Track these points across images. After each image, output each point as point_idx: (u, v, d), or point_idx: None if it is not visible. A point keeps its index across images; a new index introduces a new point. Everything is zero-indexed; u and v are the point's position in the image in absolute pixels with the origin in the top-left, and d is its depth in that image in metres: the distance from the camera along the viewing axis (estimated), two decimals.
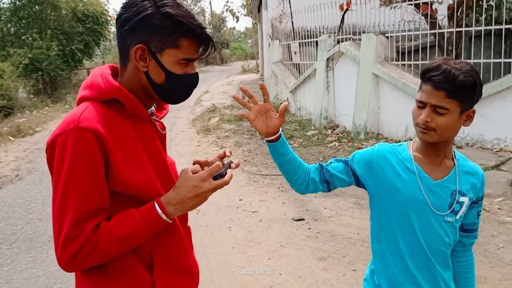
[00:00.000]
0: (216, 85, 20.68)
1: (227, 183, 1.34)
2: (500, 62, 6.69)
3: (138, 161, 1.30)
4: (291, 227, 4.68)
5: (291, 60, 12.27)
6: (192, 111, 13.35)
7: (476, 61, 6.97)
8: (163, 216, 1.27)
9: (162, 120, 1.48)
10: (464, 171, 1.59)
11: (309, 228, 4.62)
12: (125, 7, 1.31)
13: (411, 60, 7.92)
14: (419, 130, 1.51)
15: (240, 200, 5.59)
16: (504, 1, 8.02)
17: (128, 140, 1.30)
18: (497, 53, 6.96)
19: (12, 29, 19.24)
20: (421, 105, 1.49)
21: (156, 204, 1.28)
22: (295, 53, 11.73)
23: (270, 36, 13.69)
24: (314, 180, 1.66)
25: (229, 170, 1.37)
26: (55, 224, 1.22)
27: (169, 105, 1.52)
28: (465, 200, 1.57)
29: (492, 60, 6.74)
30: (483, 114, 6.62)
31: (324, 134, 8.87)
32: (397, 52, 8.43)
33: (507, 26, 6.76)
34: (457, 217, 1.57)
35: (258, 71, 26.78)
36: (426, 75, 1.47)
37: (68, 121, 1.23)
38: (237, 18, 33.14)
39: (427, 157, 1.58)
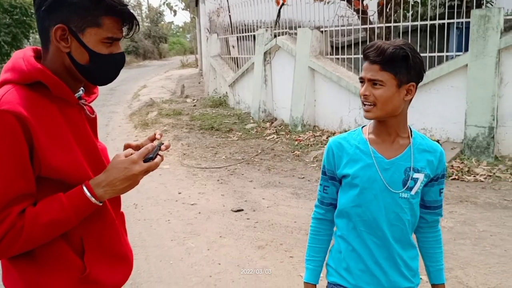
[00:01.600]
0: (154, 79, 20.31)
1: (157, 165, 1.33)
2: (426, 57, 7.08)
3: (65, 145, 1.27)
4: (230, 218, 4.73)
5: (229, 54, 12.30)
6: (129, 105, 13.05)
7: None
8: (92, 199, 1.25)
9: (94, 106, 1.45)
10: (420, 149, 1.64)
11: (248, 219, 4.69)
12: None
13: (344, 55, 8.19)
14: (364, 108, 1.58)
15: (179, 193, 5.56)
16: None
17: (54, 124, 1.26)
18: (424, 48, 7.35)
19: None
20: (362, 81, 1.57)
21: (84, 187, 1.26)
22: (233, 47, 11.77)
23: (208, 30, 13.64)
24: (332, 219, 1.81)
25: (160, 152, 1.36)
26: None
27: (98, 89, 1.50)
28: (420, 176, 1.61)
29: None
30: (411, 105, 6.93)
31: (263, 127, 8.99)
32: (332, 46, 8.68)
33: (431, 22, 7.15)
34: (412, 193, 1.62)
35: (197, 65, 26.57)
36: (364, 54, 1.55)
37: None
38: (175, 12, 32.77)
39: (380, 137, 1.64)
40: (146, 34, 39.40)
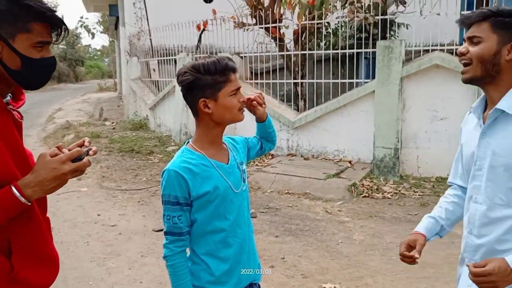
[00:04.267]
0: (70, 102, 19.62)
1: (86, 165, 1.39)
2: (338, 83, 7.63)
3: None
4: (152, 238, 4.73)
5: (150, 77, 12.27)
6: (44, 128, 12.50)
7: (319, 81, 7.83)
8: (22, 199, 1.29)
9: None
10: (232, 146, 1.88)
11: None
12: None
13: (263, 80, 8.54)
14: (241, 113, 1.80)
15: (99, 215, 5.45)
16: (340, 30, 9.14)
17: None
18: (336, 75, 7.90)
19: None
20: (235, 92, 1.76)
21: (13, 187, 1.29)
22: (154, 70, 11.77)
23: (128, 53, 13.52)
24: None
25: (87, 157, 1.41)
26: None
27: (25, 96, 1.55)
28: (245, 166, 1.87)
29: (331, 81, 7.61)
30: (326, 129, 7.44)
31: None
32: (251, 72, 9.02)
33: (342, 51, 7.73)
34: (246, 182, 1.85)
35: (116, 89, 26.04)
36: (229, 67, 1.72)
37: None
38: (93, 34, 31.92)
39: (213, 148, 1.77)
40: (62, 57, 38.05)
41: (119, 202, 5.99)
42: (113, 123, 12.66)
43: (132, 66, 13.06)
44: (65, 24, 1.41)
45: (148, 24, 12.42)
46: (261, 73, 8.72)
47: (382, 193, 6.16)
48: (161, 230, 4.91)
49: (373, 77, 7.06)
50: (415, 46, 7.38)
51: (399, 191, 6.21)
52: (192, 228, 1.73)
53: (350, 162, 7.20)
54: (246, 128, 8.30)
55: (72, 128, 11.63)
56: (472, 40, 1.59)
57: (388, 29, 9.09)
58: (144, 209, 5.66)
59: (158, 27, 11.35)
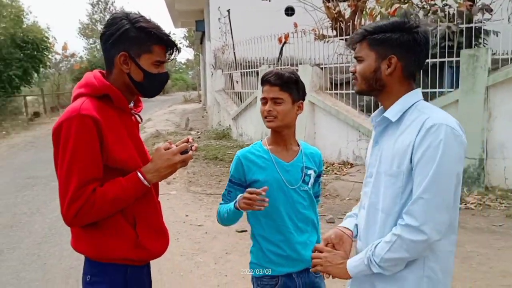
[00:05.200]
0: (158, 113, 20.87)
1: (191, 157, 1.74)
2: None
3: (123, 142, 1.69)
4: (235, 238, 5.06)
5: (233, 89, 12.84)
6: None
7: None
8: (145, 182, 1.66)
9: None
10: (307, 153, 2.13)
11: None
12: (107, 25, 1.71)
13: (343, 90, 8.67)
14: (267, 120, 2.01)
15: (187, 216, 5.90)
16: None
17: (116, 126, 1.67)
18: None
19: None
20: (264, 101, 2.03)
21: (138, 173, 1.66)
22: (237, 82, 12.31)
23: (213, 66, 14.23)
24: None
25: (190, 151, 1.76)
26: (61, 190, 1.57)
27: (143, 104, 1.91)
28: (311, 172, 2.10)
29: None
30: None
31: None
32: (331, 82, 9.18)
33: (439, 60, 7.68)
34: (309, 185, 2.09)
35: (200, 101, 27.23)
36: (263, 79, 2.03)
37: (71, 111, 1.60)
38: (179, 49, 33.60)
39: (279, 146, 2.08)
40: None
41: (205, 205, 6.42)
42: (198, 132, 13.37)
43: (216, 79, 13.73)
44: (176, 46, 1.77)
45: (232, 38, 13.02)
46: (341, 84, 8.85)
47: (465, 204, 6.03)
48: (244, 231, 5.26)
49: (458, 87, 6.95)
50: (503, 54, 7.16)
51: (484, 202, 6.05)
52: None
53: None
54: (325, 136, 8.50)
55: (161, 137, 12.45)
56: (357, 59, 1.66)
57: (474, 37, 8.85)
58: None
59: (241, 41, 11.88)
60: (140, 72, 1.70)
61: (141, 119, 1.88)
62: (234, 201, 1.94)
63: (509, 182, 6.46)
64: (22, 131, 16.09)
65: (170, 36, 1.74)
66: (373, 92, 1.66)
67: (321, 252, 1.68)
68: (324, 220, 5.55)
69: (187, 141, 1.81)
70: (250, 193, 1.84)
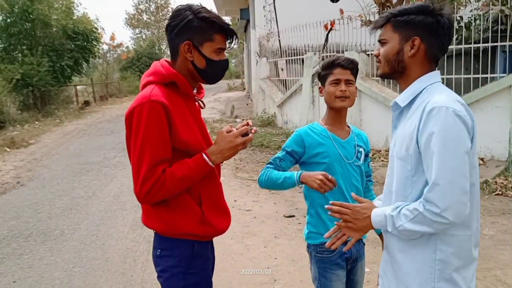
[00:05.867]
0: (203, 99, 21.16)
1: (251, 139, 1.85)
2: (471, 78, 7.39)
3: (189, 126, 1.81)
4: (283, 222, 5.17)
5: (278, 77, 12.89)
6: None
7: (449, 76, 7.65)
8: (209, 163, 1.78)
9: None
10: (356, 133, 2.36)
11: (299, 223, 5.11)
12: (172, 17, 1.83)
13: None
14: (339, 100, 2.21)
15: (235, 201, 6.05)
16: (474, 23, 8.76)
17: (182, 111, 1.80)
18: (469, 71, 7.65)
19: (3, 45, 19.54)
20: (336, 82, 2.22)
21: (203, 154, 1.79)
22: (282, 69, 12.35)
23: (258, 54, 14.31)
24: None
25: (250, 134, 1.86)
26: (134, 170, 1.71)
27: (204, 90, 2.03)
28: (362, 150, 2.33)
29: (462, 76, 7.41)
30: None
31: None
32: (377, 68, 9.07)
33: (475, 46, 7.46)
34: (361, 161, 2.31)
35: (244, 89, 27.41)
36: (334, 63, 2.24)
37: (142, 97, 1.73)
38: (238, 37, 33.82)
39: (335, 125, 2.29)
40: None
41: (252, 191, 6.56)
42: (243, 120, 13.51)
43: (261, 66, 13.81)
44: (236, 34, 1.87)
45: (277, 26, 13.04)
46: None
47: None
48: (292, 216, 5.38)
49: (510, 72, 6.73)
50: None
51: None
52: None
53: (482, 159, 6.94)
54: (371, 123, 8.45)
55: (207, 124, 12.65)
56: (381, 42, 1.68)
57: None
58: (275, 197, 6.15)
59: (286, 29, 11.89)
60: (203, 59, 1.81)
61: (204, 105, 1.99)
62: (298, 173, 2.12)
63: None
64: (74, 119, 16.78)
65: (229, 25, 1.84)
66: (395, 74, 1.68)
67: (347, 208, 1.71)
68: None
69: (247, 124, 1.91)
70: (327, 178, 2.01)
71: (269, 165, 2.31)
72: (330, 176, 2.03)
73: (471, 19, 9.18)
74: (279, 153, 2.31)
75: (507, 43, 7.02)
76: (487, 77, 7.34)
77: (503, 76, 7.01)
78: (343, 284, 2.28)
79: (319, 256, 2.27)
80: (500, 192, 5.88)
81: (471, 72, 7.50)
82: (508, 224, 4.83)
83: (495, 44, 7.39)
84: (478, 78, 7.42)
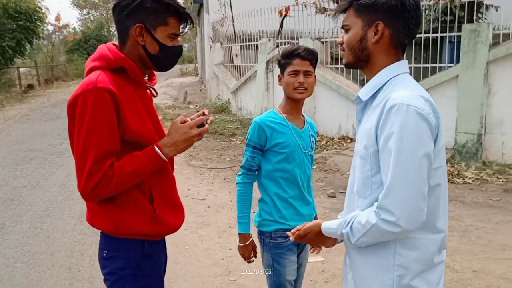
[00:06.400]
0: (155, 87, 20.70)
1: (207, 130, 1.74)
2: (420, 67, 7.56)
3: (140, 115, 1.67)
4: None
5: (232, 62, 12.74)
6: None
7: None
8: (162, 156, 1.65)
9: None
10: (308, 122, 2.37)
11: (254, 212, 5.05)
12: None
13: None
14: (298, 92, 2.21)
15: (189, 190, 5.93)
16: (424, 13, 8.96)
17: (132, 99, 1.66)
18: (418, 60, 7.84)
19: None
20: (295, 73, 2.20)
21: (155, 146, 1.65)
22: (236, 55, 12.20)
23: (212, 39, 14.08)
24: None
25: (206, 124, 1.74)
26: (78, 164, 1.56)
27: (156, 77, 1.90)
28: (313, 139, 2.38)
29: (413, 65, 7.56)
30: None
31: None
32: (331, 57, 9.13)
33: (425, 35, 7.63)
34: (313, 151, 2.38)
35: (197, 74, 27.02)
36: (293, 53, 2.20)
37: (87, 83, 1.57)
38: (193, 22, 33.11)
39: (293, 114, 2.29)
40: None
41: (206, 179, 6.45)
42: (196, 106, 13.33)
43: (215, 52, 13.60)
44: (191, 19, 1.75)
45: (232, 11, 12.85)
46: (342, 58, 8.79)
47: (463, 178, 6.11)
48: None
49: (457, 62, 6.92)
50: (504, 29, 7.12)
51: (481, 177, 6.13)
52: (264, 171, 2.28)
53: None
54: (325, 111, 8.51)
55: (159, 111, 12.39)
56: (344, 29, 1.55)
57: (475, 11, 8.78)
58: (230, 186, 6.07)
59: (241, 14, 11.73)
60: (156, 44, 1.68)
61: (156, 93, 1.86)
62: (243, 230, 2.29)
63: (506, 157, 6.53)
64: (16, 103, 15.96)
65: (185, 8, 1.72)
66: (360, 63, 1.54)
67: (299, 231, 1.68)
68: (325, 195, 5.62)
69: (203, 114, 1.79)
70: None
71: (247, 173, 2.29)
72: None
73: (422, 10, 9.38)
74: (247, 151, 2.29)
75: (455, 34, 7.21)
76: (436, 67, 7.55)
77: (450, 66, 7.21)
78: (295, 269, 2.32)
79: (274, 243, 2.27)
80: (447, 180, 6.06)
81: (421, 61, 7.67)
82: (455, 210, 4.99)
83: (444, 34, 7.58)
84: (427, 67, 7.60)
